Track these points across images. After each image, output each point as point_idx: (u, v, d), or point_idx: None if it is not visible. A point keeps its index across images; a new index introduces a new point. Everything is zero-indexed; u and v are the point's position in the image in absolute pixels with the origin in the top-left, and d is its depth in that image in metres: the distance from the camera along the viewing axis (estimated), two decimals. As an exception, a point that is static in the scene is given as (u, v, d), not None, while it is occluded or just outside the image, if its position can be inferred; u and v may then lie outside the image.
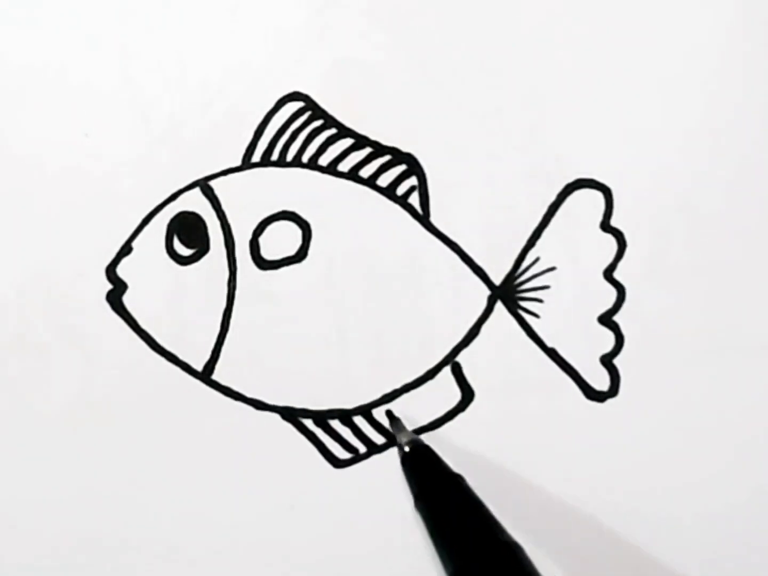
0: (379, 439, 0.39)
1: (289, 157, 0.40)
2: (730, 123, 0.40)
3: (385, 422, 0.39)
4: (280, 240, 0.40)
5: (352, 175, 0.40)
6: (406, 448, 0.38)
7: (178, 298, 0.39)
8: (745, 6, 0.40)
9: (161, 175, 0.39)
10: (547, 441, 0.40)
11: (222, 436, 0.39)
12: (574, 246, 0.40)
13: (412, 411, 0.40)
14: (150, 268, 0.39)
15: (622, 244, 0.40)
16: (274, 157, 0.40)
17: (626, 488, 0.40)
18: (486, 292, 0.40)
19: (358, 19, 0.40)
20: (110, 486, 0.39)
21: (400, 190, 0.40)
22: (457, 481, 0.36)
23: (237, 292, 0.39)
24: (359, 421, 0.39)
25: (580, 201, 0.40)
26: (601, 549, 0.39)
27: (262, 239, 0.40)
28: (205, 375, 0.39)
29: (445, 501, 0.36)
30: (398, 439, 0.38)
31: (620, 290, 0.40)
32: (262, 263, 0.40)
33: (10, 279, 0.39)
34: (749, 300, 0.40)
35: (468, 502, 0.36)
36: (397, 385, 0.40)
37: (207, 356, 0.39)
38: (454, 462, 0.39)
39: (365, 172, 0.40)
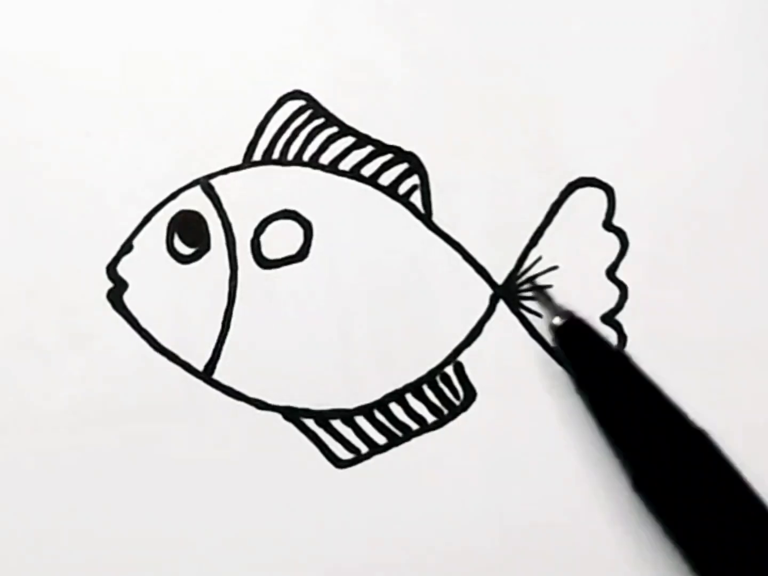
0: (381, 440, 0.39)
1: (291, 155, 0.40)
2: (733, 122, 0.40)
3: (387, 422, 0.39)
4: (282, 239, 0.39)
5: (354, 173, 0.40)
6: (556, 321, 0.32)
7: (178, 296, 0.39)
8: (747, 6, 0.40)
9: (162, 174, 0.39)
10: (549, 440, 0.39)
11: (223, 436, 0.39)
12: (577, 245, 0.40)
13: (414, 411, 0.39)
14: (151, 267, 0.39)
15: (624, 243, 0.40)
16: (275, 155, 0.40)
17: (628, 488, 0.39)
18: (488, 291, 0.40)
19: (360, 17, 0.40)
20: (110, 485, 0.39)
21: (402, 189, 0.40)
22: (623, 360, 0.31)
23: (238, 291, 0.39)
24: (361, 421, 0.39)
25: (582, 200, 0.40)
26: (603, 548, 0.39)
27: (263, 238, 0.39)
28: (207, 374, 0.39)
29: (612, 385, 0.31)
30: (546, 313, 0.33)
31: (623, 289, 0.40)
32: (264, 262, 0.39)
33: (10, 278, 0.39)
34: (752, 299, 0.40)
35: (639, 385, 0.31)
36: (399, 385, 0.39)
37: (208, 355, 0.39)
38: (455, 460, 0.39)
39: (367, 171, 0.40)
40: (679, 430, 0.30)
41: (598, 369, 0.31)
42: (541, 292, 0.32)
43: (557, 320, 0.32)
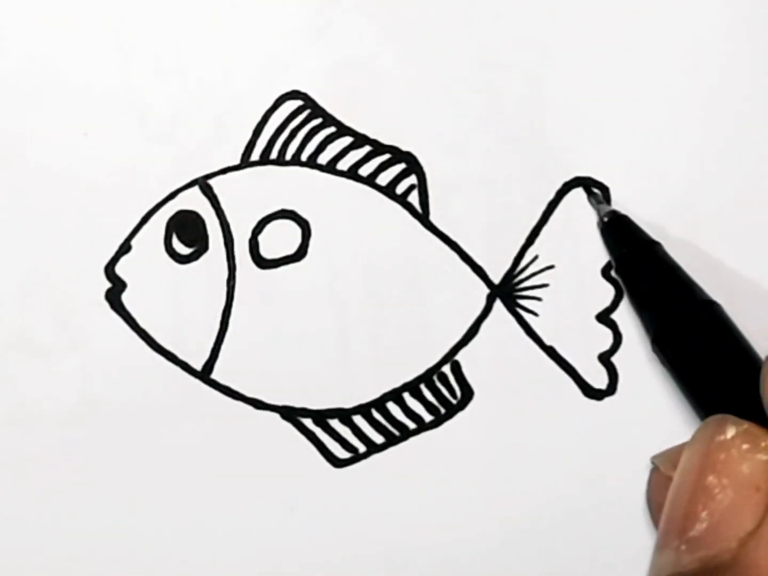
0: (378, 439, 0.39)
1: (288, 155, 0.40)
2: (731, 122, 0.40)
3: (384, 421, 0.39)
4: (280, 239, 0.39)
5: (352, 173, 0.40)
6: (606, 219, 0.39)
7: (177, 296, 0.39)
8: (748, 6, 0.40)
9: (160, 174, 0.39)
10: (545, 438, 0.40)
11: (221, 436, 0.39)
12: (573, 244, 0.40)
13: (412, 410, 0.40)
14: (149, 267, 0.39)
15: (620, 243, 0.40)
16: (273, 155, 0.40)
17: (625, 486, 0.40)
18: (485, 290, 0.40)
19: (357, 17, 0.40)
20: (107, 485, 0.39)
21: (400, 189, 0.40)
22: (654, 247, 0.38)
23: (236, 291, 0.39)
24: (359, 420, 0.39)
25: (578, 199, 0.40)
26: (602, 547, 0.39)
27: (261, 238, 0.39)
28: (204, 374, 0.39)
29: (644, 265, 0.38)
30: (597, 212, 0.40)
31: (618, 288, 0.40)
32: (262, 262, 0.39)
33: (8, 277, 0.39)
34: (747, 300, 0.40)
35: (665, 265, 0.38)
36: (397, 384, 0.40)
37: (206, 355, 0.39)
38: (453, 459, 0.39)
39: (364, 171, 0.40)
40: (693, 300, 0.37)
41: (634, 255, 0.39)
42: (594, 196, 0.40)
43: (605, 218, 0.39)
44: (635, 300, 0.39)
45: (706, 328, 0.37)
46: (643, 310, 0.38)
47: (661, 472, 0.37)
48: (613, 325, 0.40)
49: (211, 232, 0.39)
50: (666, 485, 0.35)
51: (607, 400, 0.40)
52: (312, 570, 0.39)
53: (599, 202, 0.39)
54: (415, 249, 0.40)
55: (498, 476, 0.39)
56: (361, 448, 0.39)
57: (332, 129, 0.40)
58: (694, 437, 0.35)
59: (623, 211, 0.39)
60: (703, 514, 0.33)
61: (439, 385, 0.40)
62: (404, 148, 0.40)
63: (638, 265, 0.38)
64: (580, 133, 0.40)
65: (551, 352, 0.40)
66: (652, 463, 0.38)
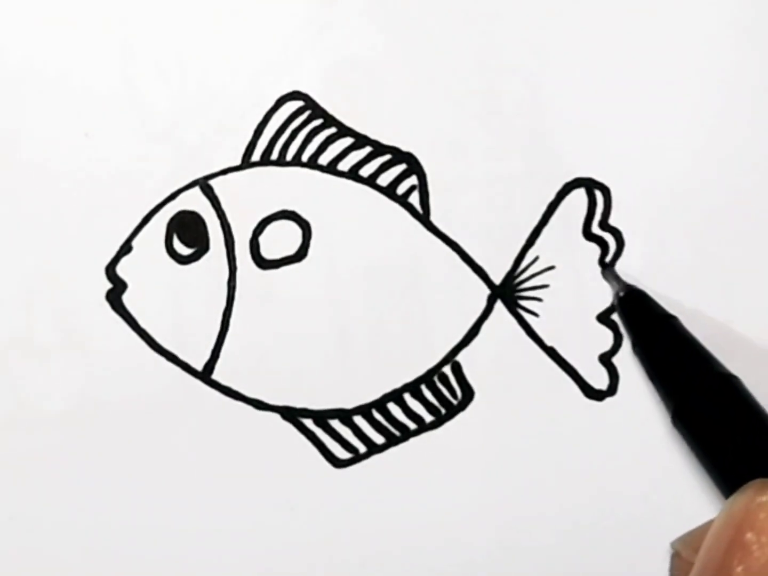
0: (379, 439, 0.39)
1: (289, 156, 0.40)
2: (731, 122, 0.40)
3: (385, 422, 0.39)
4: (280, 239, 0.40)
5: (352, 174, 0.40)
6: (621, 294, 0.39)
7: (177, 297, 0.39)
8: (749, 7, 0.40)
9: (161, 174, 0.39)
10: (546, 439, 0.40)
11: (222, 436, 0.39)
12: (573, 245, 0.40)
13: (412, 410, 0.40)
14: (150, 268, 0.39)
15: (620, 243, 0.40)
16: (274, 156, 0.40)
17: (625, 486, 0.40)
18: (486, 291, 0.40)
19: (358, 18, 0.40)
20: (108, 485, 0.39)
21: (401, 190, 0.40)
22: (671, 322, 0.38)
23: (237, 292, 0.39)
24: (359, 420, 0.39)
25: (578, 200, 0.40)
26: (603, 548, 0.39)
27: (262, 238, 0.39)
28: (205, 375, 0.39)
29: (661, 341, 0.38)
30: (612, 288, 0.40)
31: (618, 290, 0.40)
32: (262, 262, 0.39)
33: (9, 278, 0.39)
34: (748, 299, 0.40)
35: (682, 340, 0.38)
36: (397, 385, 0.40)
37: (207, 356, 0.39)
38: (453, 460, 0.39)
39: (365, 171, 0.40)
40: (712, 374, 0.37)
41: (651, 330, 0.39)
42: (609, 271, 0.40)
43: (621, 293, 0.39)
44: (654, 376, 0.39)
45: (727, 402, 0.37)
46: (661, 386, 0.38)
47: (683, 557, 0.36)
48: (613, 326, 0.40)
49: (211, 232, 0.39)
50: (688, 571, 0.35)
51: (608, 400, 0.40)
52: (312, 570, 0.39)
53: (615, 278, 0.40)
54: (415, 250, 0.40)
55: (498, 477, 0.39)
56: (362, 449, 0.39)
57: (333, 130, 0.40)
58: (732, 498, 0.35)
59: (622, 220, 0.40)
60: (739, 569, 0.33)
61: (439, 385, 0.40)
62: (405, 148, 0.40)
63: (655, 340, 0.38)
64: (580, 134, 0.40)
65: (552, 352, 0.40)
66: (673, 548, 0.37)
